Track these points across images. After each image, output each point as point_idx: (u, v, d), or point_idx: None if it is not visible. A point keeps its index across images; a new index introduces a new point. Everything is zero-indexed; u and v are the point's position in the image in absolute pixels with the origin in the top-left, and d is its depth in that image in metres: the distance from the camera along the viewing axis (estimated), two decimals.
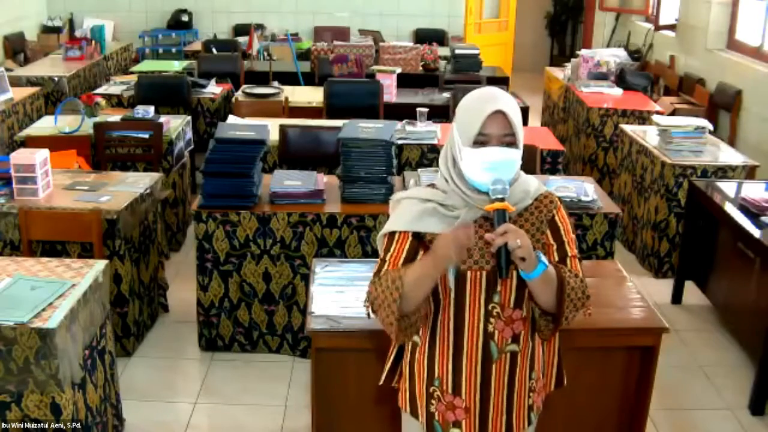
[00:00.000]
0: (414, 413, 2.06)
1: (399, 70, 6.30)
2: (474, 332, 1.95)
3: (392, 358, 2.13)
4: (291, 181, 3.80)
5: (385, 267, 1.97)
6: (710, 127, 5.01)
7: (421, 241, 1.97)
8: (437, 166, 4.93)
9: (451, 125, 1.97)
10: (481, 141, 1.89)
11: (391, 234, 1.99)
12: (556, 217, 2.01)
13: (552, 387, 2.15)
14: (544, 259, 1.86)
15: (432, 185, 2.03)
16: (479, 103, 1.91)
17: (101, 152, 4.86)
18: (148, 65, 7.62)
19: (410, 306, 1.90)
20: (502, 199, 1.85)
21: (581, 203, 3.82)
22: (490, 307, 1.94)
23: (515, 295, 1.95)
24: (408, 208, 1.98)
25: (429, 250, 1.91)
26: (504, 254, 1.81)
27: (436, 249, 1.85)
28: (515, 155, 1.91)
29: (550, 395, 2.18)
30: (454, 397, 1.98)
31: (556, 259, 1.99)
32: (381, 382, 2.15)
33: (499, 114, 1.88)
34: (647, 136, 5.21)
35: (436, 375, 2.00)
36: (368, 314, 2.01)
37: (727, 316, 4.25)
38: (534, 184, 2.01)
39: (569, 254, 2.00)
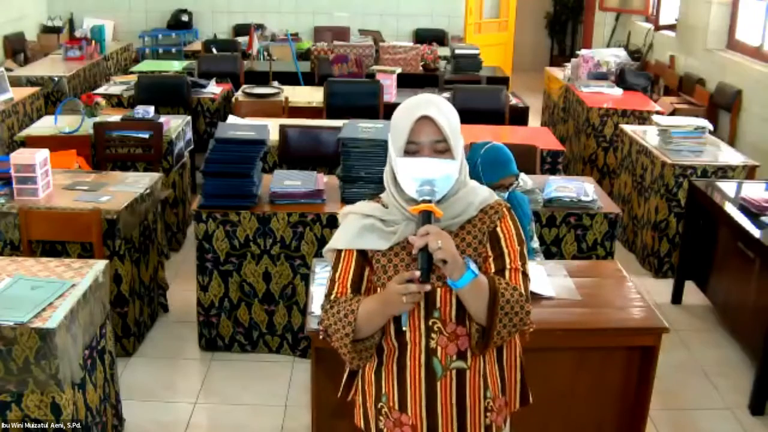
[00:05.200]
0: (367, 429, 2.02)
1: (399, 70, 6.30)
2: (416, 348, 1.88)
3: (348, 372, 2.08)
4: (291, 181, 3.80)
5: (336, 289, 1.92)
6: (710, 127, 5.01)
7: (366, 258, 1.92)
8: None
9: (388, 135, 1.90)
10: (411, 150, 1.83)
11: (338, 251, 1.94)
12: (498, 227, 1.90)
13: (517, 405, 2.04)
14: (473, 267, 1.78)
15: (378, 198, 1.98)
16: (407, 110, 1.84)
17: (101, 152, 4.86)
18: (148, 65, 7.62)
19: (363, 336, 1.87)
20: (428, 201, 1.79)
21: (581, 203, 3.82)
22: (430, 323, 1.86)
23: (456, 309, 1.86)
24: (351, 224, 1.94)
25: (383, 291, 1.84)
26: (425, 257, 1.73)
27: (388, 297, 1.79)
28: (448, 167, 1.82)
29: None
30: (401, 414, 1.92)
31: (493, 270, 1.88)
32: (338, 395, 2.10)
33: (427, 120, 1.80)
34: (647, 136, 5.21)
35: (383, 391, 1.94)
36: (323, 337, 1.96)
37: (727, 316, 4.25)
38: (481, 196, 1.92)
39: (508, 266, 1.88)
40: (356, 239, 1.91)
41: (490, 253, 1.90)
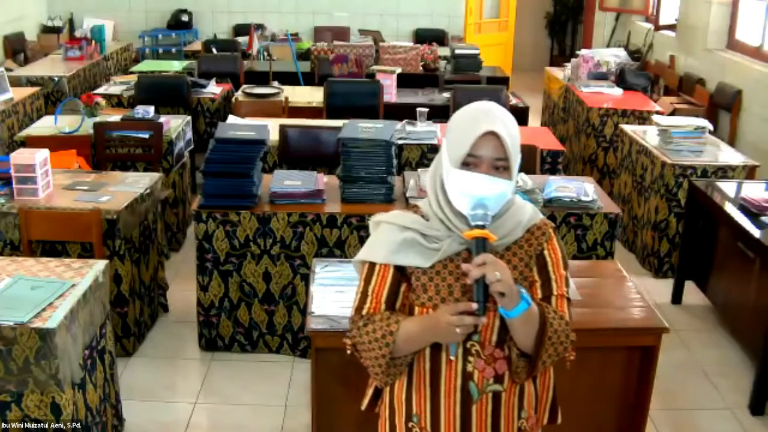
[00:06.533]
0: None
1: (399, 70, 6.30)
2: (451, 371, 1.79)
3: (374, 386, 2.00)
4: (291, 181, 3.80)
5: (368, 304, 1.82)
6: (710, 127, 5.01)
7: (403, 274, 1.82)
8: None
9: (442, 140, 1.81)
10: (469, 163, 1.73)
11: (372, 264, 1.85)
12: (546, 251, 1.83)
13: (544, 422, 1.98)
14: (527, 296, 1.71)
15: (415, 207, 1.88)
16: (472, 121, 1.74)
17: (101, 152, 4.86)
18: (148, 65, 7.62)
19: (397, 356, 1.79)
20: (482, 226, 1.70)
21: (581, 203, 3.82)
22: (468, 345, 1.78)
23: (498, 332, 1.78)
24: (387, 236, 1.83)
25: (429, 316, 1.76)
26: (481, 288, 1.65)
27: (438, 327, 1.70)
28: (505, 187, 1.73)
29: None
30: None
31: (540, 296, 1.81)
32: (363, 408, 2.03)
33: (493, 135, 1.71)
34: (647, 136, 5.21)
35: (414, 411, 1.86)
36: (350, 353, 1.87)
37: (727, 316, 4.25)
38: (527, 213, 1.84)
39: (555, 293, 1.82)
40: (395, 255, 1.80)
41: (536, 278, 1.83)
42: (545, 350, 1.76)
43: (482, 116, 1.74)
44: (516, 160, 1.75)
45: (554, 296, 1.82)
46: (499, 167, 1.73)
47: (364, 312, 1.83)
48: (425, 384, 1.84)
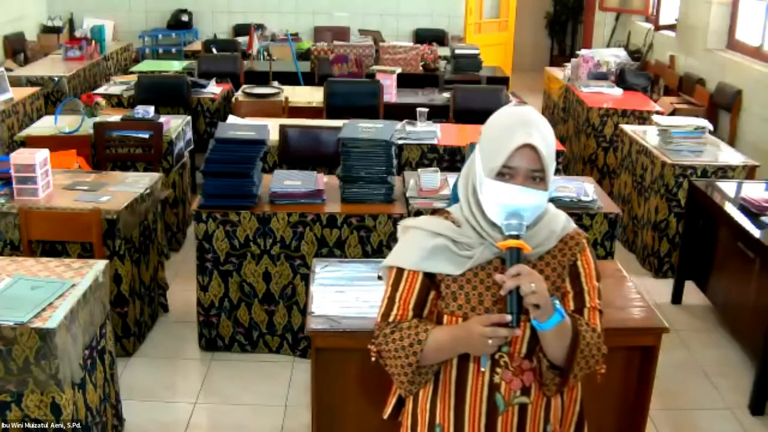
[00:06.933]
0: None
1: (399, 70, 6.30)
2: (478, 382, 1.76)
3: (397, 392, 1.95)
4: (291, 181, 3.80)
5: (395, 311, 1.80)
6: (710, 127, 5.01)
7: (433, 281, 1.78)
8: (437, 166, 4.92)
9: (477, 147, 1.78)
10: (504, 173, 1.69)
11: (400, 270, 1.81)
12: (579, 262, 1.80)
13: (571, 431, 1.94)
14: (561, 308, 1.68)
15: (446, 213, 1.84)
16: (508, 131, 1.69)
17: (101, 152, 4.86)
18: (148, 65, 7.62)
19: (424, 364, 1.77)
20: (517, 236, 1.67)
21: (581, 203, 3.82)
22: (497, 356, 1.74)
23: (527, 344, 1.74)
24: (418, 242, 1.79)
25: (461, 326, 1.72)
26: (515, 299, 1.63)
27: (469, 338, 1.67)
28: (541, 199, 1.71)
29: None
30: None
31: (572, 308, 1.78)
32: (385, 417, 1.99)
33: (530, 147, 1.68)
34: (647, 136, 5.21)
35: (438, 421, 1.82)
36: (374, 359, 1.85)
37: (727, 316, 4.25)
38: (561, 223, 1.81)
39: (588, 305, 1.79)
40: (425, 261, 1.77)
41: (569, 289, 1.79)
42: (577, 363, 1.73)
43: (519, 126, 1.70)
44: (552, 170, 1.72)
45: (587, 308, 1.79)
46: (536, 178, 1.70)
47: (390, 319, 1.80)
48: (450, 393, 1.80)
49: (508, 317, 1.64)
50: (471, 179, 1.77)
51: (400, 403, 1.97)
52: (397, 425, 2.12)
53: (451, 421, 1.80)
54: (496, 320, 1.64)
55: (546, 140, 1.71)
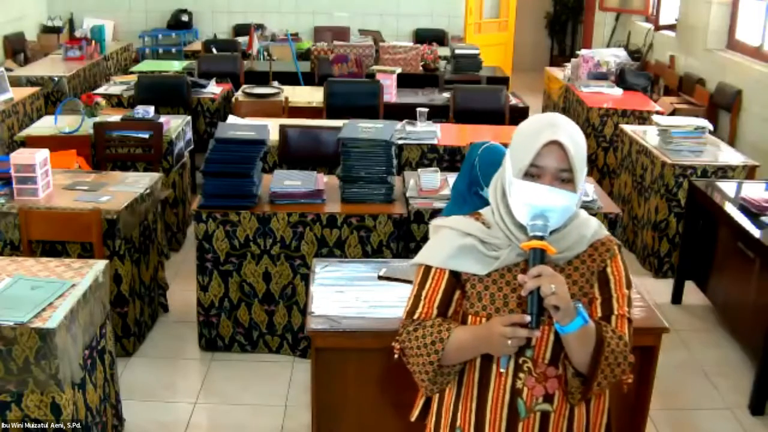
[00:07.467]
0: None
1: (399, 70, 6.30)
2: (500, 386, 1.75)
3: (425, 396, 1.94)
4: (291, 181, 3.80)
5: (420, 308, 1.80)
6: (710, 127, 5.01)
7: (458, 281, 1.79)
8: (437, 166, 4.93)
9: (507, 152, 1.77)
10: (532, 173, 1.69)
11: (427, 268, 1.82)
12: (609, 268, 1.78)
13: None
14: (584, 312, 1.66)
15: (477, 214, 1.84)
16: (535, 130, 1.70)
17: (101, 152, 4.86)
18: (148, 65, 7.63)
19: (446, 364, 1.76)
20: (541, 237, 1.66)
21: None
22: (520, 361, 1.73)
23: (552, 349, 1.72)
24: (446, 241, 1.79)
25: (482, 326, 1.72)
26: (536, 300, 1.62)
27: (490, 337, 1.67)
28: (569, 200, 1.69)
29: None
30: None
31: (599, 315, 1.76)
32: (413, 419, 1.98)
33: (556, 145, 1.66)
34: (647, 136, 5.21)
35: (458, 423, 1.81)
36: (397, 356, 1.85)
37: (727, 316, 4.25)
38: (592, 228, 1.79)
39: (616, 312, 1.77)
40: (452, 259, 1.77)
41: (597, 296, 1.77)
42: (601, 371, 1.70)
43: (546, 126, 1.70)
44: (582, 172, 1.70)
45: (615, 315, 1.77)
46: (564, 179, 1.69)
47: (415, 316, 1.81)
48: (472, 396, 1.79)
49: (528, 318, 1.63)
50: (501, 181, 1.77)
51: (427, 405, 1.96)
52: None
53: (472, 423, 1.79)
54: (516, 320, 1.64)
55: (573, 139, 1.69)
